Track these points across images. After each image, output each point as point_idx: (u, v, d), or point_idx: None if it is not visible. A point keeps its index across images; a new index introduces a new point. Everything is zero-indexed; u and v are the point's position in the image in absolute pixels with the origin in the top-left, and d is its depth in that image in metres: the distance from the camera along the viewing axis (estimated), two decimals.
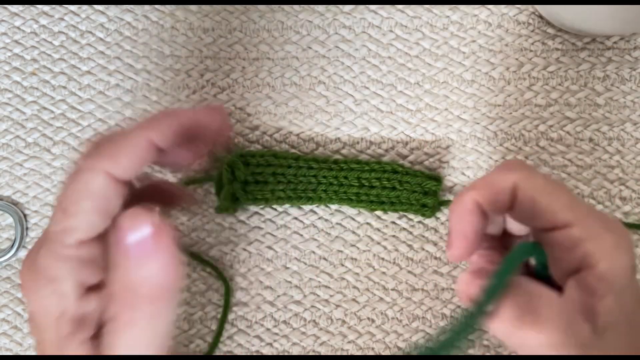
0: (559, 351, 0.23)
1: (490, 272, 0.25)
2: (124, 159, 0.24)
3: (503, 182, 0.26)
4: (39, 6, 0.42)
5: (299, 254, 0.41)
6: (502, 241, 0.31)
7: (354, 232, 0.41)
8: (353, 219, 0.41)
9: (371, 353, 0.40)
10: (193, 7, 0.42)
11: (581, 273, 0.24)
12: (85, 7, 0.42)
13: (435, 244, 0.41)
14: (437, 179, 0.40)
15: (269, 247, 0.41)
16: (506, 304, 0.24)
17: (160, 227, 0.23)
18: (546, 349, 0.23)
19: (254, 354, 0.40)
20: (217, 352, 0.40)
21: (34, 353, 0.41)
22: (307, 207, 0.41)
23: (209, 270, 0.40)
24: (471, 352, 0.40)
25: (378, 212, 0.41)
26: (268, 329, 0.40)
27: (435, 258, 0.41)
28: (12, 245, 0.40)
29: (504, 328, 0.24)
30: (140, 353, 0.23)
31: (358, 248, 0.41)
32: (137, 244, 0.22)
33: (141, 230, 0.22)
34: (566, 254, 0.25)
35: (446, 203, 0.40)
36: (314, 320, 0.40)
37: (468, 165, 0.41)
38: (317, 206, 0.41)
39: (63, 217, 0.23)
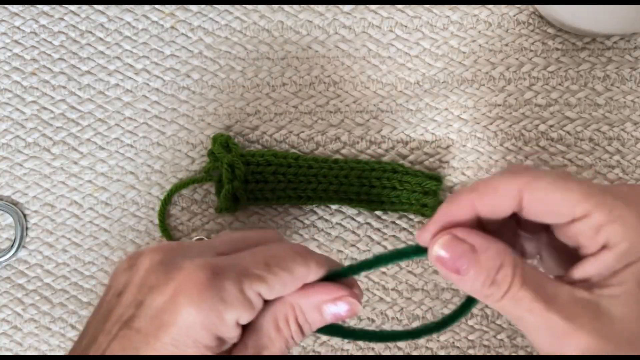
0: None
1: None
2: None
3: (508, 187, 0.26)
4: (39, 6, 0.42)
5: None
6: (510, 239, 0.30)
7: (354, 232, 0.41)
8: (353, 219, 0.41)
9: (371, 353, 0.40)
10: (193, 7, 0.42)
11: (603, 252, 0.25)
12: (85, 7, 0.42)
13: None
14: (437, 179, 0.40)
15: None
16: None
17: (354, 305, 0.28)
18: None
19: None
20: None
21: (34, 353, 0.41)
22: (307, 207, 0.41)
23: None
24: (471, 352, 0.40)
25: (378, 212, 0.41)
26: None
27: None
28: (12, 245, 0.40)
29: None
30: None
31: (358, 248, 0.41)
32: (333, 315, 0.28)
33: (339, 307, 0.28)
34: (589, 241, 0.25)
35: None
36: None
37: (468, 165, 0.41)
38: (317, 206, 0.41)
39: (265, 270, 0.27)
